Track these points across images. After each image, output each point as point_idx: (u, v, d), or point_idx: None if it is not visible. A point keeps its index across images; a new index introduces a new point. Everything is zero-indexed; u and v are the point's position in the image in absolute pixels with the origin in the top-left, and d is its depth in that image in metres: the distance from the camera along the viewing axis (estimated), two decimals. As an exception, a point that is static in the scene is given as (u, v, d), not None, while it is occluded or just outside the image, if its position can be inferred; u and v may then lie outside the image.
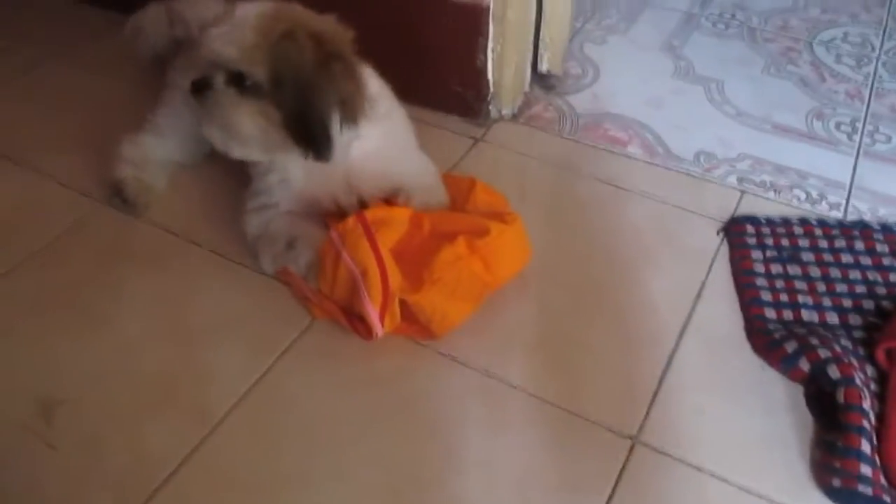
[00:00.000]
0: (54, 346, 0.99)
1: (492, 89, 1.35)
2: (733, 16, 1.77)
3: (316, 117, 0.96)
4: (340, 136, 0.99)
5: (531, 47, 1.42)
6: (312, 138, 0.97)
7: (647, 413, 0.93)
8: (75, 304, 1.04)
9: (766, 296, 1.06)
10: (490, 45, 1.29)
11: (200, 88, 0.99)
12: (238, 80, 0.97)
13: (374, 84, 1.05)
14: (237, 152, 1.03)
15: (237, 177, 1.18)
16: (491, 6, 1.24)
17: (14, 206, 1.20)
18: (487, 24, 1.26)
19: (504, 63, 1.33)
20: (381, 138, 1.06)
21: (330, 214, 1.10)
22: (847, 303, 1.06)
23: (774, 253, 1.13)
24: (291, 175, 1.07)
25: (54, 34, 1.61)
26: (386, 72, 1.08)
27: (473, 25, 1.26)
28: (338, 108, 0.96)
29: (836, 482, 0.84)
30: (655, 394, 0.95)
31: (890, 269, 1.10)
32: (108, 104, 1.40)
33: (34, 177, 1.25)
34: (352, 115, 0.98)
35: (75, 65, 1.52)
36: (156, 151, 1.21)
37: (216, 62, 0.97)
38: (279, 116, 0.96)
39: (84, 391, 0.93)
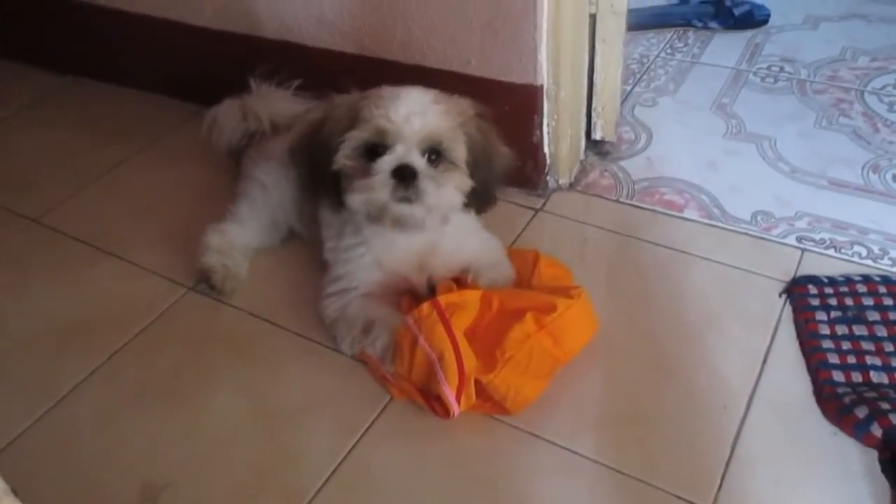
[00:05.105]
0: (155, 431, 1.06)
1: (549, 161, 1.41)
2: (781, 69, 1.79)
3: (496, 184, 1.13)
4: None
5: (584, 118, 1.47)
6: (490, 200, 1.13)
7: (721, 482, 0.95)
8: (172, 389, 1.12)
9: (834, 358, 1.08)
10: (545, 121, 1.35)
11: (405, 175, 1.02)
12: (437, 158, 1.05)
13: None
14: (430, 224, 1.09)
15: (313, 259, 1.26)
16: (545, 86, 1.30)
17: (108, 295, 1.29)
18: (542, 102, 1.32)
19: (559, 136, 1.39)
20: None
21: (402, 295, 1.16)
22: (916, 363, 1.06)
23: (839, 313, 1.14)
24: (369, 258, 1.13)
25: (138, 128, 1.72)
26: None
27: (529, 104, 1.32)
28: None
29: (917, 551, 0.85)
30: (728, 463, 0.97)
31: (958, 326, 1.10)
32: (189, 194, 1.50)
33: (125, 267, 1.34)
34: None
35: (158, 156, 1.63)
36: (239, 239, 1.29)
37: (418, 141, 1.02)
38: (469, 186, 1.07)
39: (185, 475, 1.00)
